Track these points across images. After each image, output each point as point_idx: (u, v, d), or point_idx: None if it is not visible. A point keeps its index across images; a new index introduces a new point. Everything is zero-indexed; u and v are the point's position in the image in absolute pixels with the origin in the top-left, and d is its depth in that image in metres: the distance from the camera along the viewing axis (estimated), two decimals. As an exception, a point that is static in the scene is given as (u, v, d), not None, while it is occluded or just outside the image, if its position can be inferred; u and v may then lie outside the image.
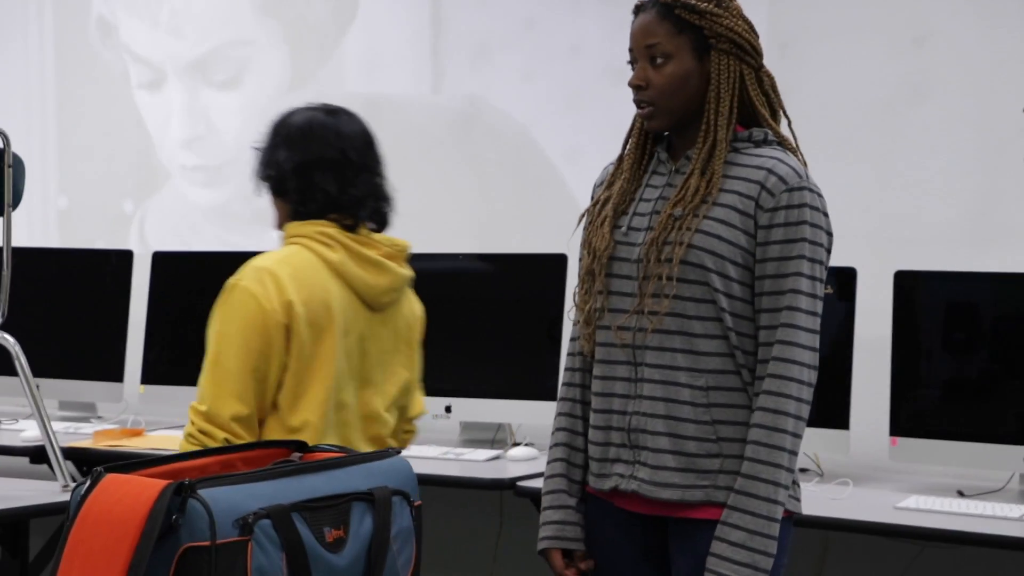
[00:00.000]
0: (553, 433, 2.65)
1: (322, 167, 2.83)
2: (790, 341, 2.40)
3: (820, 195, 2.46)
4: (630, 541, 2.56)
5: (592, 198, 2.66)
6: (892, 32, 4.24)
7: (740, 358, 2.44)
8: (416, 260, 4.53)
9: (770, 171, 2.44)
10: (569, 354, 2.67)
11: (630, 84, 2.51)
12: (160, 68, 5.43)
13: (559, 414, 2.64)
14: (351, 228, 2.85)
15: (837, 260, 3.72)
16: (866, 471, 3.86)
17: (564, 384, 2.65)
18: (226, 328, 2.72)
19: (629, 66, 2.53)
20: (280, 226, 2.89)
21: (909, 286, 3.81)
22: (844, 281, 3.85)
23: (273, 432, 2.74)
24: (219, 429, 2.70)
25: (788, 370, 2.40)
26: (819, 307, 2.44)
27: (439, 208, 4.88)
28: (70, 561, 1.95)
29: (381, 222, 2.93)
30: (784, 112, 2.56)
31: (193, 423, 2.74)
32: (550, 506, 2.62)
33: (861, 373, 3.86)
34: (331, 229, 2.82)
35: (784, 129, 2.56)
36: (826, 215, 2.46)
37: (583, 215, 2.64)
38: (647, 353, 2.47)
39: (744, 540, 2.37)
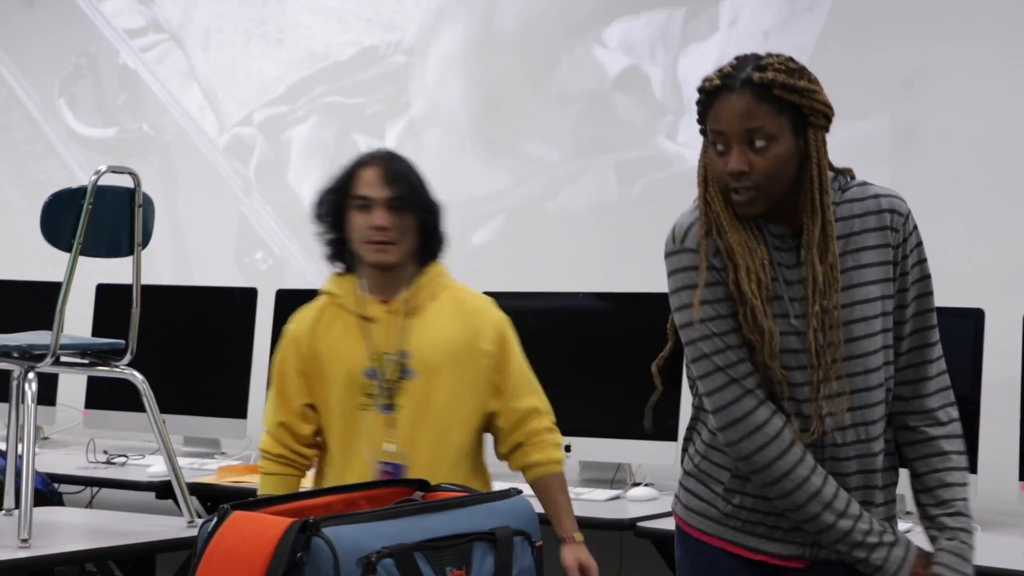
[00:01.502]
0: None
1: None
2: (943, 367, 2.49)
3: None
4: None
5: (688, 261, 2.46)
6: (1020, 66, 4.17)
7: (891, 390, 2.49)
8: (537, 299, 4.56)
9: (881, 210, 2.44)
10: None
11: (730, 171, 2.37)
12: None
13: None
14: None
15: (965, 301, 3.68)
16: (995, 516, 3.77)
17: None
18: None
19: (717, 150, 2.39)
20: (393, 261, 3.04)
21: (1039, 327, 3.73)
22: (972, 322, 3.77)
23: None
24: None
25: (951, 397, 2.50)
26: None
27: (560, 247, 4.90)
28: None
29: None
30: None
31: (552, 423, 3.13)
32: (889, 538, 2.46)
33: (990, 416, 3.78)
34: None
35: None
36: None
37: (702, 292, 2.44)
38: (840, 449, 2.43)
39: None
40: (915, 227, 2.46)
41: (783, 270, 2.44)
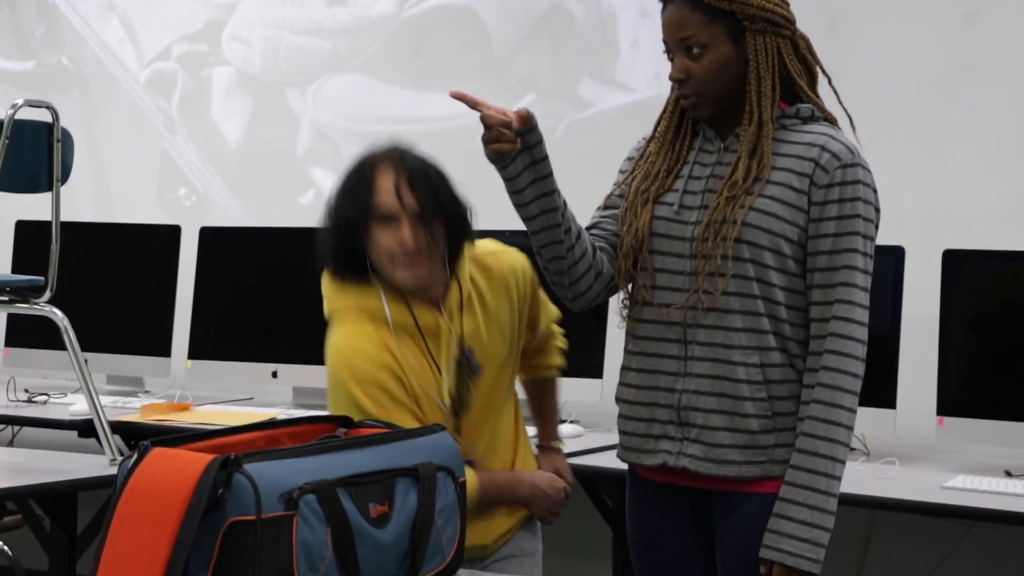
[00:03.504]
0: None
1: None
2: (846, 317, 2.41)
3: (870, 171, 2.46)
4: (675, 516, 2.57)
5: (623, 171, 2.65)
6: (942, 9, 4.20)
7: (787, 331, 2.45)
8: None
9: (823, 148, 2.44)
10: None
11: (670, 78, 2.50)
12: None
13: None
14: None
15: (885, 239, 3.71)
16: (913, 450, 3.83)
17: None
18: None
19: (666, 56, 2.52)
20: (427, 280, 2.70)
21: (957, 265, 3.78)
22: (892, 260, 3.81)
23: None
24: None
25: (845, 346, 2.41)
26: (869, 284, 2.45)
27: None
28: (117, 534, 1.96)
29: None
30: (823, 70, 2.56)
31: (560, 332, 2.99)
32: None
33: (908, 352, 3.83)
34: None
35: (826, 88, 2.56)
36: (875, 191, 2.46)
37: (614, 189, 2.64)
38: (699, 331, 2.46)
39: (806, 516, 2.38)
40: (855, 189, 2.41)
41: (697, 167, 2.52)
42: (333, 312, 2.75)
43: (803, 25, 2.53)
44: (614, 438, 2.79)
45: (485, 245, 2.87)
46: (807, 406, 2.42)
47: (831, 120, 2.53)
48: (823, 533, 2.39)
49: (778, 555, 2.39)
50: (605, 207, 2.67)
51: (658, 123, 2.60)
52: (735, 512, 2.47)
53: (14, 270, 4.78)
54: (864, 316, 2.43)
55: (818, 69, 2.54)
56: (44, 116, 3.64)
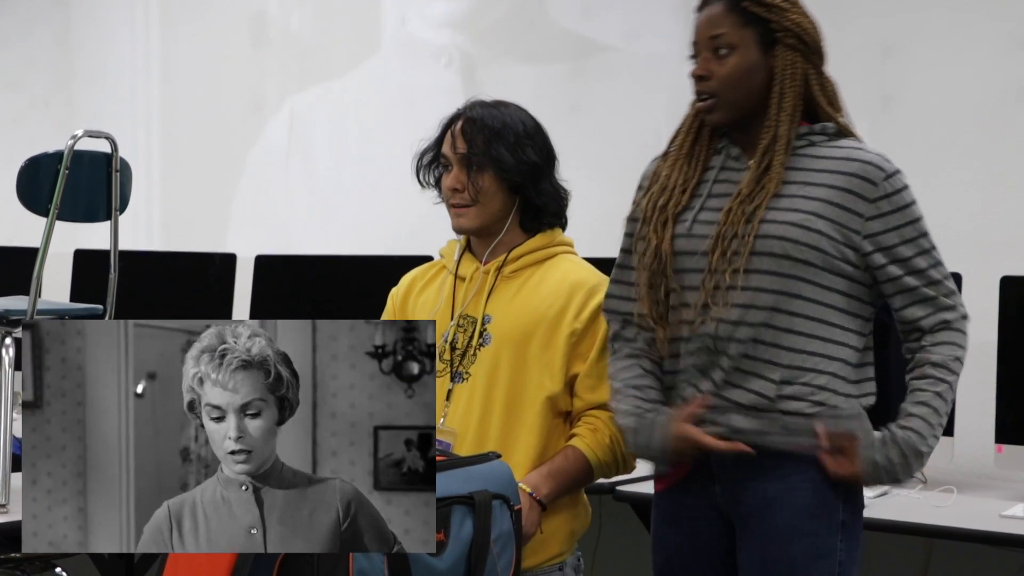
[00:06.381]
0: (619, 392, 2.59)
1: (555, 169, 2.80)
2: (950, 322, 2.52)
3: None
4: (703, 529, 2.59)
5: (640, 190, 2.61)
6: (998, 34, 4.18)
7: (854, 336, 2.47)
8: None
9: (863, 162, 2.42)
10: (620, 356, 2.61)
11: (692, 75, 2.48)
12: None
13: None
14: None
15: (942, 265, 3.69)
16: (971, 479, 3.80)
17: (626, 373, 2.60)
18: None
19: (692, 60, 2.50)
20: (471, 226, 2.76)
21: (1016, 291, 3.75)
22: (949, 286, 3.79)
23: None
24: None
25: (955, 338, 2.55)
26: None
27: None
28: (175, 560, 1.98)
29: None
30: (847, 116, 2.54)
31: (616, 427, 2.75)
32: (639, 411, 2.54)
33: (966, 379, 3.74)
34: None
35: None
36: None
37: (633, 211, 2.60)
38: (731, 345, 2.44)
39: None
40: (903, 196, 2.43)
41: (726, 185, 2.49)
42: None
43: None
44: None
45: (581, 262, 2.82)
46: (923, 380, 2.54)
47: (845, 129, 2.50)
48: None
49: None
50: (627, 233, 2.62)
51: (674, 139, 2.58)
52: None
53: (73, 298, 4.83)
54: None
55: (844, 111, 2.52)
56: (103, 146, 3.68)
